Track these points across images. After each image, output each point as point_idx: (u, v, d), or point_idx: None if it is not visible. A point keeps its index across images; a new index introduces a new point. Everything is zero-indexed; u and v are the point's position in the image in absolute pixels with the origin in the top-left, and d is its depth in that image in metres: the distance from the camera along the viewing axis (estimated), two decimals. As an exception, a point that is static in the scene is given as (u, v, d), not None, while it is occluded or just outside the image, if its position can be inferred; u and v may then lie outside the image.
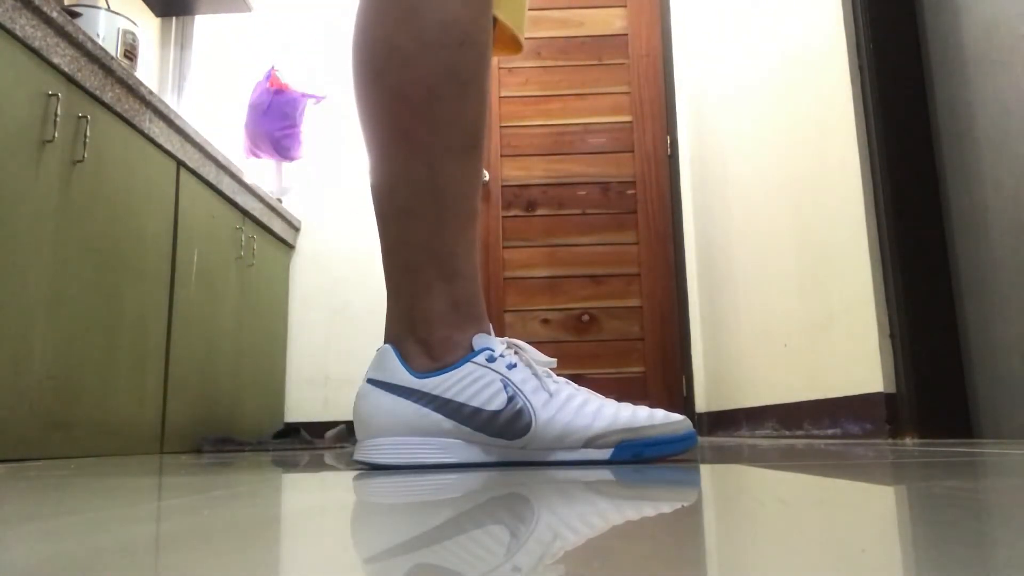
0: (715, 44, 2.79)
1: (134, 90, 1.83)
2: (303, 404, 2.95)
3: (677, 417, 0.85)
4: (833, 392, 1.80)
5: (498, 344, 0.84)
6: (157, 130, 1.95)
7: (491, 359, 0.82)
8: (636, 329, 3.07)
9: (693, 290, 3.04)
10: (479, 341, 0.84)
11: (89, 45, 1.65)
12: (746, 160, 2.44)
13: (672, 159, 3.17)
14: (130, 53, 2.15)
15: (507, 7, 0.97)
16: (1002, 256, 1.45)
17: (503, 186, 3.19)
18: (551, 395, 0.82)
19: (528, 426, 0.81)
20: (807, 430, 1.93)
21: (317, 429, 2.75)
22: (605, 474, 0.68)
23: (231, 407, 2.40)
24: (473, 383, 0.81)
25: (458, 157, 0.85)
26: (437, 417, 0.81)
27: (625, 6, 3.31)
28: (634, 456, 0.82)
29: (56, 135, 1.55)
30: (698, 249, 3.01)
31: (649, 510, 0.42)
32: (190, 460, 1.34)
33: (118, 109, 1.77)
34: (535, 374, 0.83)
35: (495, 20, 1.04)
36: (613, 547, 0.29)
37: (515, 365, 0.82)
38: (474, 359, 0.82)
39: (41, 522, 0.41)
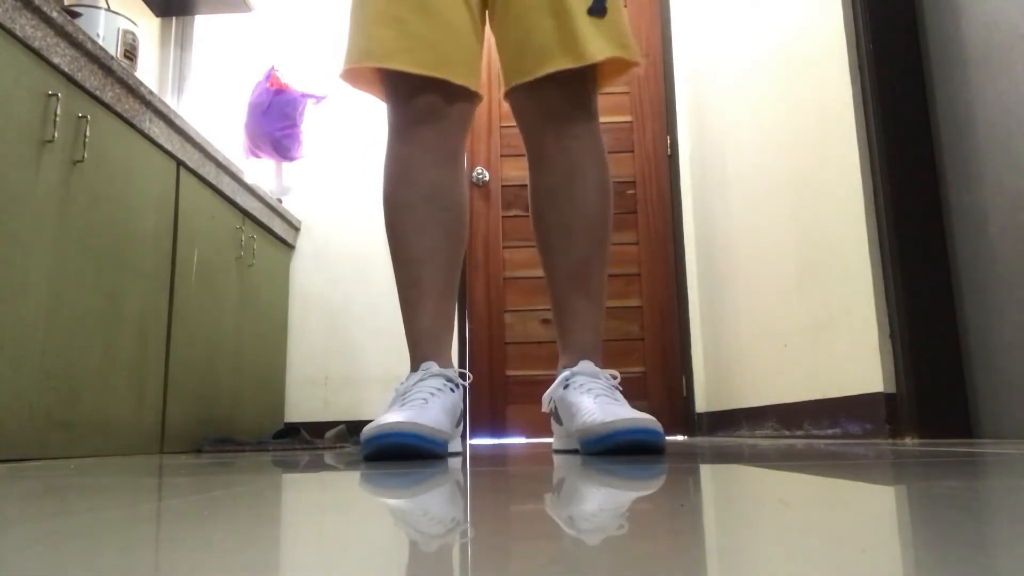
0: (715, 45, 2.79)
1: (134, 90, 1.83)
2: (303, 404, 2.95)
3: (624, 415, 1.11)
4: (833, 392, 1.80)
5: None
6: (157, 130, 1.95)
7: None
8: (636, 329, 3.06)
9: (693, 290, 3.03)
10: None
11: (89, 45, 1.65)
12: (746, 160, 2.44)
13: (672, 159, 3.17)
14: (130, 53, 2.15)
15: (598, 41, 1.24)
16: (1002, 256, 1.45)
17: (503, 186, 3.18)
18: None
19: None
20: (807, 430, 1.93)
21: (317, 429, 2.74)
22: (604, 469, 0.68)
23: (231, 407, 2.40)
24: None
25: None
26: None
27: (625, 6, 3.30)
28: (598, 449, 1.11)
29: (56, 135, 1.55)
30: (698, 249, 3.01)
31: (650, 509, 0.42)
32: (190, 460, 1.34)
33: (118, 109, 1.77)
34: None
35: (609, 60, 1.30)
36: (613, 547, 0.29)
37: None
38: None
39: (41, 522, 0.41)
